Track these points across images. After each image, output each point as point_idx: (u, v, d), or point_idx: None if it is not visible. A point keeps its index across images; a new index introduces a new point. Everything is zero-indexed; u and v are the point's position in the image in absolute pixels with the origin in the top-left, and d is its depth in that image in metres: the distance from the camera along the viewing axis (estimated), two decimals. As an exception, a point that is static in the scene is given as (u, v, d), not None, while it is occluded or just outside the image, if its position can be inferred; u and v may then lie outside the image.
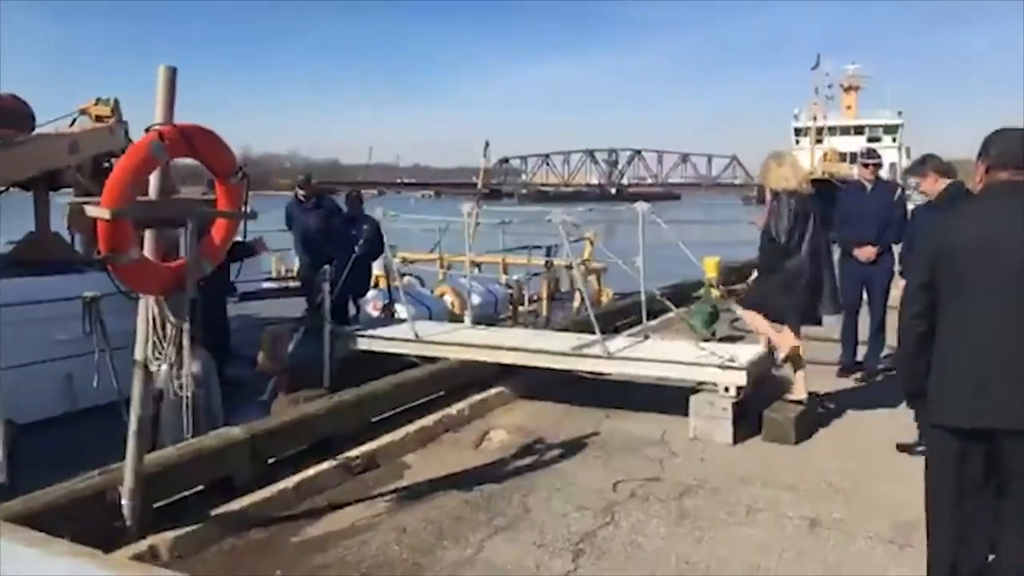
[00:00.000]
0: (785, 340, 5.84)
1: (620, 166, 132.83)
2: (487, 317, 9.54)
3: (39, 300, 6.08)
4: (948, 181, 5.79)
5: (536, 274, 11.90)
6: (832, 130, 60.04)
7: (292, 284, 10.24)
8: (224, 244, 3.92)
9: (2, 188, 6.89)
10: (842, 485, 4.88)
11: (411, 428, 5.71)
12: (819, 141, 56.90)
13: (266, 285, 11.00)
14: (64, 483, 3.80)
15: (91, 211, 3.26)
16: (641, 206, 6.72)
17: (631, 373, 6.07)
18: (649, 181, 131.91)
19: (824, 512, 4.46)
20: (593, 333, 8.07)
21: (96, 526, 3.73)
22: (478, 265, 13.90)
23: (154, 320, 3.65)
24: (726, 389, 5.66)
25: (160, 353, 3.66)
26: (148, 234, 3.67)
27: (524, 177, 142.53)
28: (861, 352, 7.47)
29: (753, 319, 6.07)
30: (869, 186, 7.38)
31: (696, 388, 5.89)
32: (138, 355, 3.69)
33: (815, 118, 59.51)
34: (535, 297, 12.13)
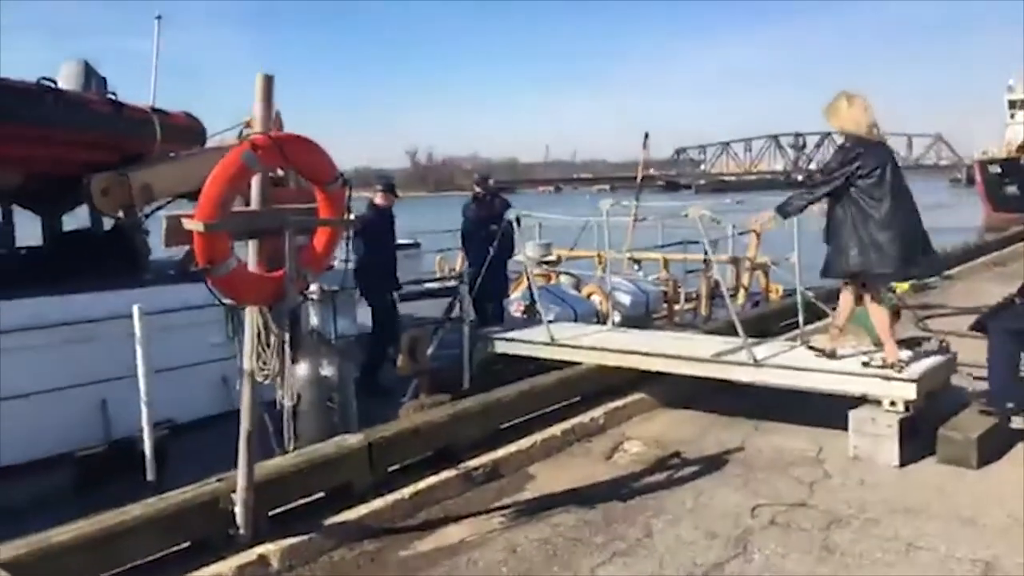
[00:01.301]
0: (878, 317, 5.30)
1: (807, 151, 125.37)
2: (637, 318, 9.14)
3: (195, 305, 6.43)
4: None
5: (693, 271, 11.27)
6: (1056, 100, 53.22)
7: (449, 284, 10.31)
8: (327, 252, 3.88)
9: (169, 199, 7.38)
10: (1034, 522, 4.11)
11: (539, 437, 5.48)
12: (1039, 113, 50.64)
13: (428, 285, 11.22)
14: (182, 489, 3.91)
15: (187, 224, 3.31)
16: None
17: (780, 383, 5.49)
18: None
19: (1004, 556, 3.75)
20: (749, 335, 7.56)
21: (210, 533, 3.82)
22: (637, 262, 13.50)
23: (259, 330, 3.66)
24: (892, 403, 4.97)
25: (265, 363, 3.66)
26: (251, 244, 3.69)
27: (703, 167, 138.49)
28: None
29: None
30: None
31: (860, 400, 5.23)
32: (245, 365, 3.71)
33: (1034, 87, 52.97)
34: (694, 295, 11.54)
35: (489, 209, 8.61)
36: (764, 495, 4.62)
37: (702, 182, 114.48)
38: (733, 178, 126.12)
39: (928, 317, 9.53)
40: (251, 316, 3.68)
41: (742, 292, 11.83)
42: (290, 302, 3.64)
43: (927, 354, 5.47)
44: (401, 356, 6.81)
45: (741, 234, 12.36)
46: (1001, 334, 5.17)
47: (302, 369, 5.47)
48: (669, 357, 5.99)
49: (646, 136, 14.23)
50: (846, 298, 5.50)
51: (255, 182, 3.61)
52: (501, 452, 5.18)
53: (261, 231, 3.61)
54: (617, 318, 9.01)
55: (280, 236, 3.61)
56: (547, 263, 10.39)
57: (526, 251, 11.83)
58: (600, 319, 8.57)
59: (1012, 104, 55.97)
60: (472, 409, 5.27)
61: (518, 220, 7.70)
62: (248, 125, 9.36)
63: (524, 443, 5.36)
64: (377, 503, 4.39)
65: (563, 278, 10.75)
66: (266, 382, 3.67)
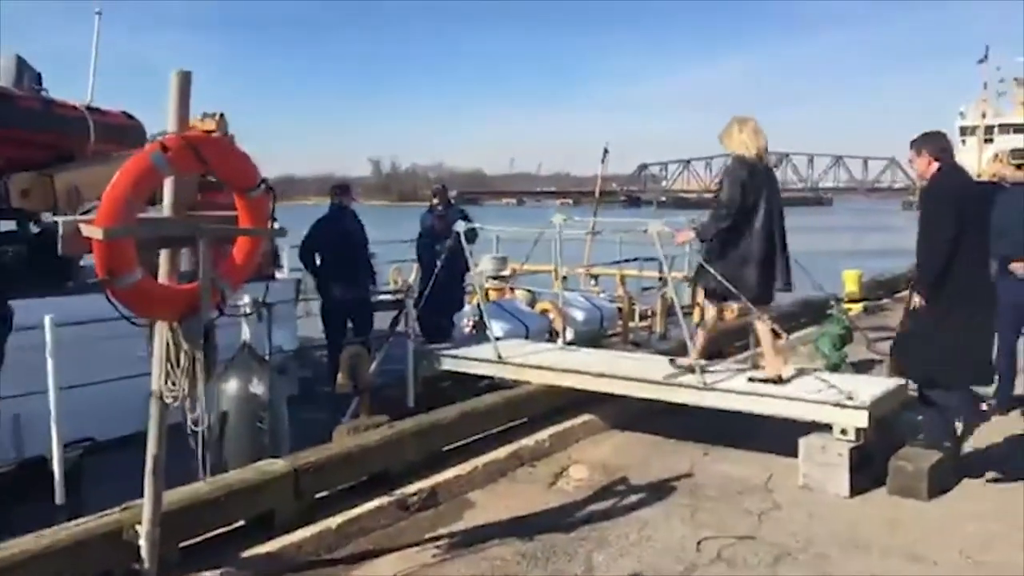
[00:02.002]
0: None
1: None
2: (591, 334, 8.94)
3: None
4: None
5: (649, 288, 11.14)
6: (1004, 128, 54.81)
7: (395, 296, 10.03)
8: (247, 264, 3.59)
9: (95, 203, 6.99)
10: (985, 558, 3.97)
11: (481, 460, 5.24)
12: (988, 140, 52.07)
13: (381, 298, 10.90)
14: (82, 519, 3.58)
15: (85, 230, 3.01)
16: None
17: (730, 407, 5.32)
18: (798, 185, 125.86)
19: (956, 597, 3.61)
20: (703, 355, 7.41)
21: (111, 568, 3.50)
22: (595, 277, 13.34)
23: (168, 347, 3.35)
24: (843, 431, 4.82)
25: (175, 383, 3.36)
26: (163, 254, 3.40)
27: (664, 183, 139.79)
28: (1021, 386, 6.34)
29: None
30: (1025, 189, 6.25)
31: (812, 426, 5.07)
32: (153, 385, 3.41)
33: (984, 115, 54.52)
34: (650, 312, 11.41)
35: (445, 221, 8.41)
36: (711, 526, 4.43)
37: (663, 198, 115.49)
38: (694, 195, 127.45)
39: (879, 340, 9.48)
40: (160, 332, 3.38)
41: (698, 310, 11.74)
42: (203, 318, 3.34)
43: (876, 380, 5.33)
44: (341, 373, 6.51)
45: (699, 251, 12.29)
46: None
47: (231, 387, 5.17)
48: (617, 378, 5.79)
49: (605, 151, 14.09)
50: (709, 312, 5.92)
51: (167, 188, 3.32)
52: (440, 477, 4.92)
53: (172, 240, 3.31)
54: (570, 335, 8.82)
55: (194, 246, 3.32)
56: (499, 278, 10.16)
57: (480, 265, 11.69)
58: (553, 336, 8.36)
59: (963, 131, 57.55)
60: (409, 431, 5.00)
61: (466, 234, 7.50)
62: (192, 127, 9.09)
63: (465, 467, 5.11)
64: (301, 534, 4.10)
65: (518, 293, 10.54)
66: (175, 404, 3.36)
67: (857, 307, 11.71)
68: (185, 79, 3.32)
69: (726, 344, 8.25)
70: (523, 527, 4.45)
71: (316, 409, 6.76)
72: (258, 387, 5.21)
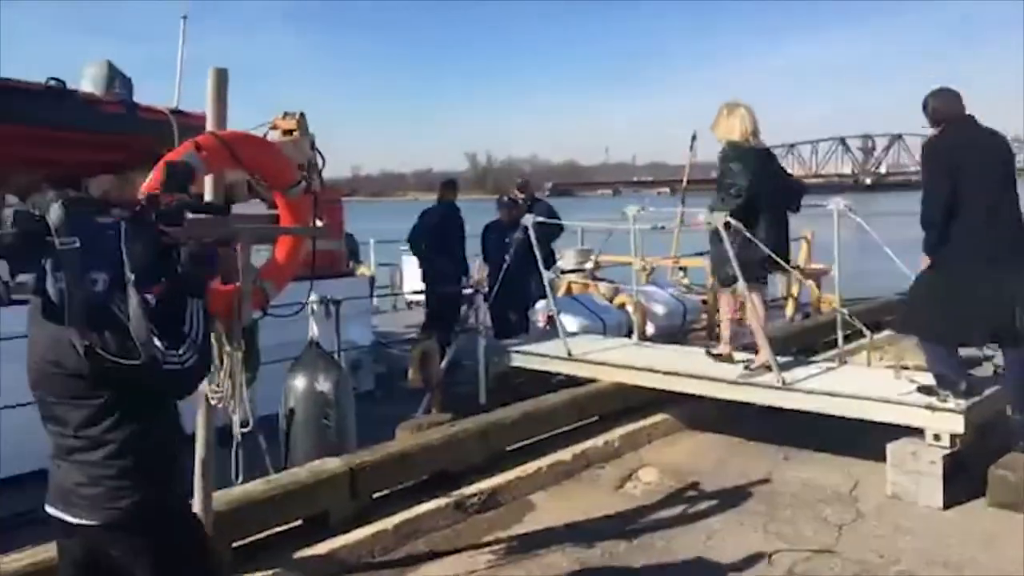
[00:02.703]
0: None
1: (877, 153, 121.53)
2: (673, 330, 8.63)
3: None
4: None
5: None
6: None
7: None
8: (290, 263, 3.56)
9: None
10: (1098, 584, 3.54)
11: (546, 462, 5.08)
12: None
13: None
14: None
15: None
16: (836, 202, 5.55)
17: (810, 408, 4.97)
18: (912, 168, 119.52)
19: (1059, 629, 3.21)
20: (789, 353, 7.01)
21: None
22: (683, 268, 12.92)
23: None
24: (936, 437, 4.42)
25: (219, 385, 3.35)
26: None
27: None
28: None
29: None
30: None
31: (903, 430, 4.67)
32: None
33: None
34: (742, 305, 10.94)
35: (512, 213, 8.31)
36: (786, 538, 4.14)
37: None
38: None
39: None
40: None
41: (791, 302, 11.20)
42: (244, 318, 3.32)
43: (980, 380, 4.86)
44: (411, 369, 6.49)
45: (793, 240, 11.72)
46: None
47: (297, 384, 5.20)
48: (691, 377, 5.51)
49: (693, 137, 13.57)
50: (724, 301, 5.89)
51: (207, 186, 3.31)
52: (501, 478, 4.80)
53: (211, 241, 3.29)
54: (651, 329, 8.55)
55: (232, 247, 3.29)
56: (577, 270, 9.95)
57: (563, 259, 11.51)
58: (632, 331, 8.11)
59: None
60: (470, 431, 4.89)
61: (549, 228, 7.38)
62: (274, 127, 9.29)
63: (528, 468, 4.97)
64: (356, 534, 4.05)
65: (601, 286, 10.30)
66: (218, 405, 3.35)
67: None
68: (222, 77, 3.31)
69: (819, 338, 7.78)
70: (584, 533, 4.28)
71: (391, 405, 6.78)
72: (324, 384, 5.22)
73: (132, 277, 2.11)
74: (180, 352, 2.18)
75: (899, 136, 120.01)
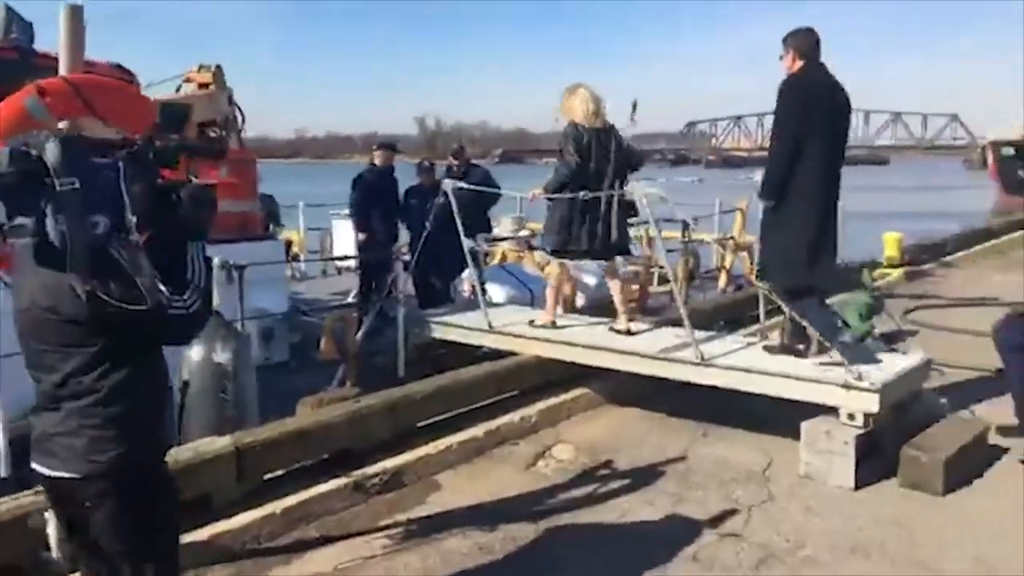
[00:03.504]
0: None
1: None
2: (604, 301, 8.45)
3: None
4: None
5: (671, 251, 10.49)
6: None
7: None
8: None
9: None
10: (1004, 569, 3.48)
11: (457, 439, 4.87)
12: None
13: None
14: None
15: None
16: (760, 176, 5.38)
17: (727, 385, 4.84)
18: (853, 144, 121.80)
19: (960, 617, 3.14)
20: (715, 327, 6.92)
21: (16, 557, 3.23)
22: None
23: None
24: (850, 416, 4.32)
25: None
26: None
27: (714, 142, 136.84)
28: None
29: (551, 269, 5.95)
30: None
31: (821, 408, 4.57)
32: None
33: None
34: (674, 276, 10.84)
35: (432, 178, 8.20)
36: (694, 520, 4.00)
37: (711, 157, 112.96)
38: (744, 153, 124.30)
39: (917, 308, 8.84)
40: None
41: (724, 274, 11.17)
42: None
43: (897, 357, 4.78)
44: (324, 339, 6.19)
45: (725, 212, 11.68)
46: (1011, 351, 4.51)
47: (193, 355, 4.88)
48: (610, 351, 5.34)
49: (634, 105, 13.34)
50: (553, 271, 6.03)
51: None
52: (408, 457, 4.57)
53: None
54: (581, 301, 8.38)
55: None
56: (508, 238, 9.69)
57: (499, 226, 11.24)
58: (563, 303, 7.91)
59: (1031, 84, 54.53)
60: (376, 407, 4.64)
61: (483, 196, 7.13)
62: (188, 80, 8.78)
63: (438, 446, 4.74)
64: (241, 519, 3.78)
65: (537, 255, 10.10)
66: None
67: (897, 273, 10.99)
68: (76, 15, 2.96)
69: (747, 311, 7.68)
70: (489, 514, 4.09)
71: (305, 377, 6.48)
72: (222, 355, 4.90)
73: (135, 220, 2.04)
74: (185, 297, 2.13)
75: (898, 115, 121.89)
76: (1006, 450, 4.67)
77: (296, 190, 18.52)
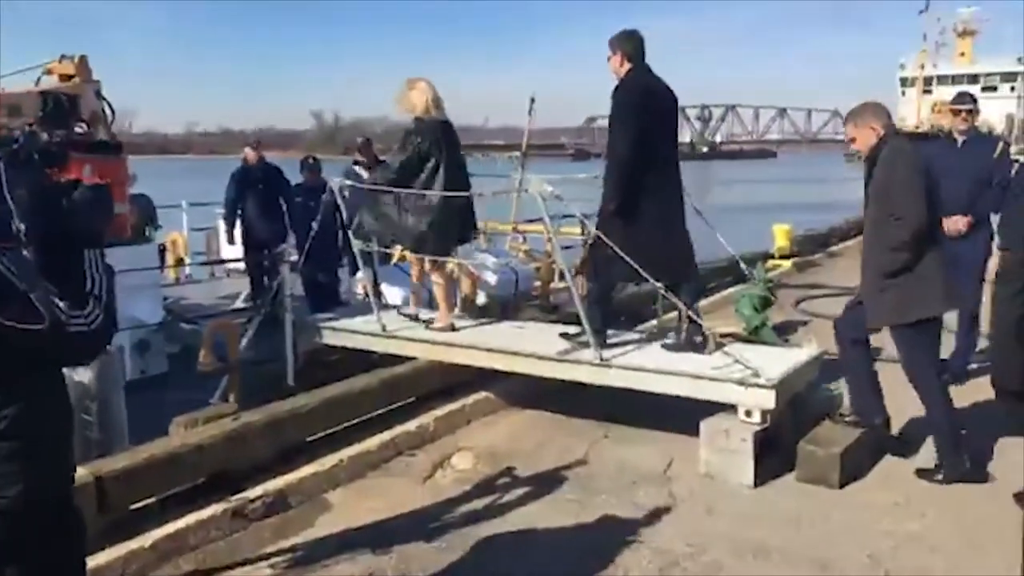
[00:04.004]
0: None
1: (713, 123, 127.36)
2: (505, 300, 8.29)
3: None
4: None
5: (567, 247, 10.44)
6: (943, 79, 55.20)
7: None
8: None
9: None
10: (894, 564, 3.49)
11: (347, 453, 4.59)
12: (927, 91, 52.48)
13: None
14: None
15: None
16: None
17: (627, 386, 4.75)
18: (744, 138, 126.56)
19: (860, 617, 3.11)
20: (617, 324, 6.84)
21: None
22: (523, 235, 12.68)
23: None
24: (748, 413, 4.29)
25: None
26: None
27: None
28: (947, 350, 5.89)
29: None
30: (961, 140, 5.75)
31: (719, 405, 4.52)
32: None
33: (922, 66, 54.86)
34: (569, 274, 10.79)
35: (316, 175, 8.06)
36: (598, 528, 3.88)
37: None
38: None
39: (807, 299, 9.07)
40: None
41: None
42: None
43: (791, 351, 4.78)
44: (203, 350, 5.76)
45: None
46: (850, 344, 4.55)
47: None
48: (507, 354, 5.17)
49: (531, 101, 13.19)
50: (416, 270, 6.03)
51: None
52: (293, 476, 4.26)
53: None
54: (482, 299, 8.18)
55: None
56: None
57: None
58: (464, 302, 7.70)
59: (903, 82, 58.08)
60: (256, 424, 4.31)
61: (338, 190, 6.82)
62: (49, 72, 8.09)
63: (326, 462, 4.45)
64: (103, 556, 3.40)
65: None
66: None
67: (787, 263, 11.30)
68: None
69: (649, 305, 7.63)
70: (382, 534, 3.85)
71: (186, 390, 6.03)
72: (83, 374, 4.47)
73: (22, 227, 1.81)
74: (85, 312, 1.89)
75: (733, 107, 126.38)
76: (896, 439, 4.74)
77: (187, 187, 17.63)
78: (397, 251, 10.72)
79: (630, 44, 4.90)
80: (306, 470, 4.34)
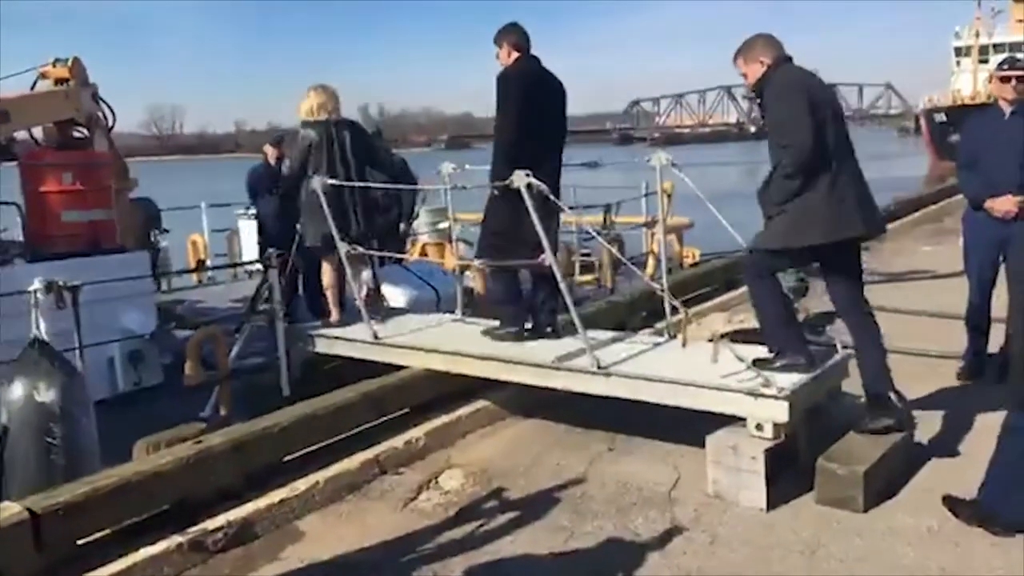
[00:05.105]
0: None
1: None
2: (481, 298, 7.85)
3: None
4: None
5: (589, 237, 9.96)
6: (999, 47, 52.66)
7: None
8: None
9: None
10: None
11: (325, 474, 4.25)
12: (983, 61, 50.09)
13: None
14: None
15: None
16: (659, 157, 4.87)
17: (627, 395, 4.32)
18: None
19: None
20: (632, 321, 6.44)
21: None
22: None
23: None
24: (758, 427, 3.83)
25: None
26: None
27: (658, 120, 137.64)
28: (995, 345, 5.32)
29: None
30: (1008, 111, 5.15)
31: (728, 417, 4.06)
32: None
33: (977, 34, 52.43)
34: (599, 264, 10.35)
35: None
36: (590, 556, 3.48)
37: (656, 135, 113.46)
38: (687, 130, 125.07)
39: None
40: None
41: (651, 259, 10.70)
42: None
43: (810, 358, 4.24)
44: (188, 362, 5.51)
45: (647, 195, 11.23)
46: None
47: (14, 395, 4.21)
48: (502, 362, 4.78)
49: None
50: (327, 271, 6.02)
51: None
52: (261, 503, 3.94)
53: None
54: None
55: None
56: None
57: (418, 219, 10.57)
58: (472, 302, 7.29)
59: (958, 51, 55.74)
60: (221, 446, 4.00)
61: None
62: (44, 76, 7.93)
63: (299, 486, 4.12)
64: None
65: (461, 247, 9.46)
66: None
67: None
68: None
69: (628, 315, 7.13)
70: (354, 568, 3.53)
71: (180, 403, 5.80)
72: (47, 393, 4.24)
73: None
74: None
75: (834, 87, 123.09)
76: (932, 451, 4.23)
77: (233, 187, 17.58)
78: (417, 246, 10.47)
79: (515, 36, 5.05)
80: (277, 495, 4.02)
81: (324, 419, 4.50)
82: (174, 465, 3.79)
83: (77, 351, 4.69)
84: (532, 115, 4.87)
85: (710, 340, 4.22)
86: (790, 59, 4.18)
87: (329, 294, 5.99)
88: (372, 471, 4.44)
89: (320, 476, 4.23)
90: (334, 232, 5.48)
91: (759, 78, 4.12)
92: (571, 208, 11.50)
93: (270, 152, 8.19)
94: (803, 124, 3.85)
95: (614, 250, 9.47)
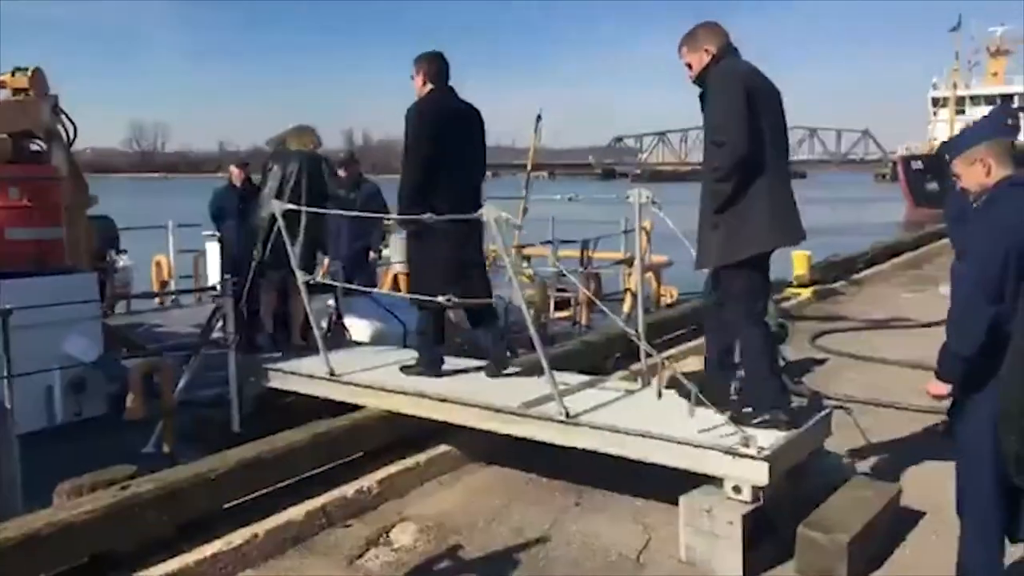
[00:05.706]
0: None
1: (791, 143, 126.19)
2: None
3: None
4: None
5: (563, 274, 9.69)
6: (975, 99, 53.72)
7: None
8: None
9: None
10: None
11: (265, 526, 3.89)
12: (960, 112, 51.00)
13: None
14: None
15: None
16: (639, 194, 4.62)
17: (595, 448, 4.02)
18: (826, 158, 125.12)
19: None
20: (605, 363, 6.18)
21: None
22: (527, 258, 12.01)
23: None
24: (736, 489, 3.54)
25: None
26: None
27: (640, 156, 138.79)
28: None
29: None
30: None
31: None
32: None
33: (955, 86, 53.42)
34: (575, 301, 10.10)
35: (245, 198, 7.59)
36: (544, 635, 3.15)
37: (638, 172, 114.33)
38: (669, 168, 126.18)
39: (823, 334, 8.26)
40: None
41: (628, 296, 10.47)
42: None
43: (792, 413, 3.97)
44: (130, 395, 5.14)
45: (626, 232, 11.04)
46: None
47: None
48: (464, 405, 4.47)
49: (538, 118, 12.50)
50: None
51: None
52: (190, 558, 3.57)
53: None
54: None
55: None
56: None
57: (389, 248, 10.28)
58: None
59: (935, 102, 56.79)
60: (148, 494, 3.63)
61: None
62: (1, 84, 7.59)
63: (235, 538, 3.76)
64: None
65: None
66: None
67: (806, 292, 10.49)
68: None
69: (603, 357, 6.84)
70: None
71: (124, 435, 5.41)
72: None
73: None
74: None
75: (814, 131, 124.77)
76: (920, 515, 3.97)
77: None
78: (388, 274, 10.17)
79: (433, 65, 4.96)
80: (210, 548, 3.66)
81: (268, 464, 4.15)
82: (93, 514, 3.42)
83: (4, 380, 4.32)
84: (446, 151, 4.80)
85: (682, 394, 3.92)
86: (736, 50, 3.98)
87: (266, 321, 6.19)
88: (318, 522, 4.09)
89: (260, 528, 3.87)
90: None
91: (703, 68, 3.92)
92: (547, 242, 11.50)
93: (236, 173, 7.92)
94: (741, 122, 3.65)
95: (590, 290, 9.28)
